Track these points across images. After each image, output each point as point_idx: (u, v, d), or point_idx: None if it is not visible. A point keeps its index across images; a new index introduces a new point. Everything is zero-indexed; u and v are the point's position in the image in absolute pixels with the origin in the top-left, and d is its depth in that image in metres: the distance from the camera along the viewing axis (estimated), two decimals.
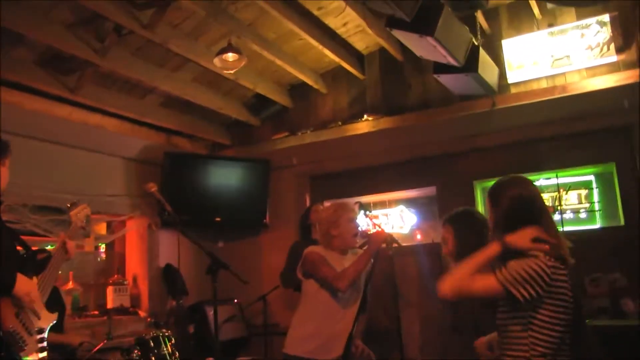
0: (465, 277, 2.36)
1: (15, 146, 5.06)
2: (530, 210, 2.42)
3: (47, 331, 3.10)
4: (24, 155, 5.11)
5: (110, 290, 6.14)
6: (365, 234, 4.14)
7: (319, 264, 3.91)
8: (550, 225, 2.41)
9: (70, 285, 5.74)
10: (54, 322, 3.19)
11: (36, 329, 3.03)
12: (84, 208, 3.69)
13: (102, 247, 6.64)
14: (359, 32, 5.81)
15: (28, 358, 2.93)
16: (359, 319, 4.10)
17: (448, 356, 5.65)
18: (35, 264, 3.24)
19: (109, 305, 6.04)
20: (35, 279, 3.11)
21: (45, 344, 3.05)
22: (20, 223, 5.06)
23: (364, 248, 3.99)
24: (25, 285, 2.94)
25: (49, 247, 5.77)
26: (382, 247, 3.90)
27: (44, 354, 3.02)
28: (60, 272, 3.60)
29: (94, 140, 5.89)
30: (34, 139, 5.28)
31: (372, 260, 3.86)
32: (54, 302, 4.76)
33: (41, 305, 3.10)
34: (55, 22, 4.67)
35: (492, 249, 2.39)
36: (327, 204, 5.81)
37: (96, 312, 5.88)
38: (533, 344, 2.28)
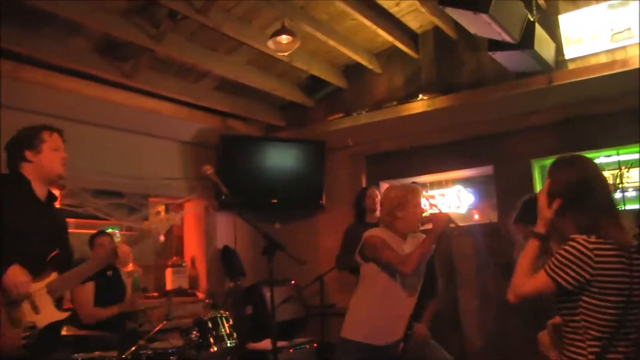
0: (519, 283, 2.34)
1: (74, 132, 5.19)
2: (585, 193, 2.33)
3: (39, 328, 2.93)
4: (83, 141, 5.27)
5: (169, 272, 6.26)
6: (427, 218, 4.06)
7: (382, 247, 3.81)
8: (607, 208, 2.31)
9: (130, 267, 5.86)
10: (58, 321, 3.05)
11: (27, 322, 2.91)
12: (172, 217, 3.57)
13: None
14: (413, 11, 5.70)
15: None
16: (429, 303, 4.06)
17: (508, 337, 5.59)
18: (63, 259, 3.14)
19: (168, 286, 6.17)
20: (54, 275, 3.02)
21: (29, 340, 2.88)
22: (81, 207, 5.19)
23: (427, 231, 3.92)
24: (18, 277, 2.83)
25: (109, 230, 5.94)
26: (445, 229, 3.82)
27: (24, 350, 2.86)
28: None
29: (150, 125, 5.99)
30: (92, 125, 5.40)
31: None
32: (115, 285, 4.94)
33: (48, 300, 2.99)
34: (111, 10, 4.74)
35: (530, 246, 2.36)
36: (385, 185, 5.77)
37: (156, 294, 6.01)
38: (586, 327, 2.21)
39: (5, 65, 4.72)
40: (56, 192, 4.83)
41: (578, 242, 2.21)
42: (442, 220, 3.82)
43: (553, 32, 5.24)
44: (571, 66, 5.30)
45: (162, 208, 6.41)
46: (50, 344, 3.08)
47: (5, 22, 4.45)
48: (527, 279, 2.31)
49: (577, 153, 2.53)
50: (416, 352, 3.88)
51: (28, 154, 3.11)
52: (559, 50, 5.24)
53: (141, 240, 3.44)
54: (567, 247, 2.22)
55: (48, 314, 2.98)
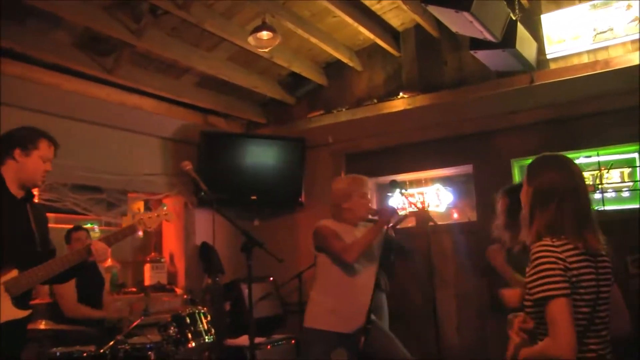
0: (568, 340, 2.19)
1: (54, 127, 5.15)
2: (557, 194, 2.33)
3: None
4: (63, 136, 5.17)
5: (147, 267, 6.24)
6: (374, 211, 4.18)
7: (329, 237, 4.00)
8: (579, 210, 2.33)
9: (109, 262, 5.84)
10: (17, 319, 2.99)
11: None
12: (165, 214, 3.50)
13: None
14: (394, 9, 5.73)
15: None
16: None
17: (486, 336, 5.62)
18: (32, 260, 3.07)
19: (147, 282, 6.15)
20: (13, 272, 2.98)
21: None
22: (60, 202, 5.16)
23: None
24: None
25: (88, 225, 5.91)
26: (391, 221, 4.01)
27: None
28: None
29: (131, 120, 5.96)
30: (73, 120, 5.37)
31: (383, 233, 3.98)
32: (93, 278, 4.94)
33: (5, 297, 2.94)
34: (92, 3, 4.72)
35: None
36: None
37: (134, 289, 5.99)
38: None
39: None
40: (34, 190, 4.82)
41: (546, 250, 2.21)
42: (388, 213, 4.02)
43: (535, 31, 5.29)
44: (553, 66, 5.36)
45: (140, 205, 6.40)
46: (12, 342, 3.03)
47: None
48: (560, 328, 2.16)
49: (557, 153, 2.55)
50: (375, 346, 3.92)
51: (17, 153, 3.13)
52: (541, 49, 5.29)
53: (123, 237, 3.40)
54: (539, 260, 2.20)
55: (5, 311, 2.93)
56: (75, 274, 3.32)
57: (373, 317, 3.99)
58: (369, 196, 4.21)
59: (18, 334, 3.10)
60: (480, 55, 4.86)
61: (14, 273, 2.98)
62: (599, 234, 2.31)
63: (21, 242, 3.11)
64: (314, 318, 4.05)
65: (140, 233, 6.59)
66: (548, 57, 5.33)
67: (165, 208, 3.54)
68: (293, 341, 6.07)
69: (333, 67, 6.74)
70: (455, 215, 6.53)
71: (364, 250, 3.92)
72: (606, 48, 5.15)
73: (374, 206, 4.32)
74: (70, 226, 5.05)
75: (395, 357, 3.95)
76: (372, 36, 5.89)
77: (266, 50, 5.31)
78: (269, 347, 5.77)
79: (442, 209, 6.54)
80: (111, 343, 3.92)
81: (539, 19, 5.38)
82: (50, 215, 5.17)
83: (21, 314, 3.02)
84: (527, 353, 2.29)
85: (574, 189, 2.34)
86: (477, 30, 4.30)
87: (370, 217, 4.17)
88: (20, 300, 3.01)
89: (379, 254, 4.06)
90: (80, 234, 4.83)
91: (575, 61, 5.26)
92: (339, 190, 4.22)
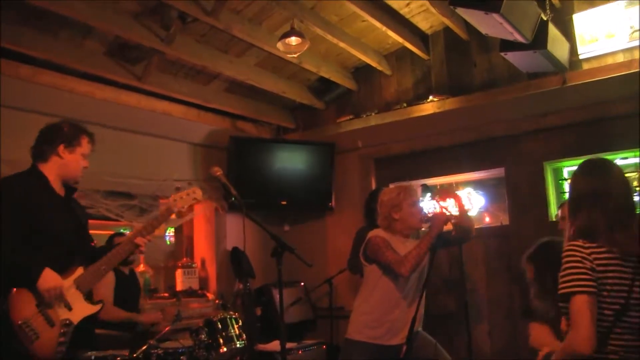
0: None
1: None
2: (587, 199, 2.36)
3: (74, 324, 3.06)
4: (95, 143, 5.29)
5: (179, 272, 6.28)
6: (427, 218, 4.07)
7: (383, 248, 3.87)
8: (613, 214, 2.31)
9: (141, 267, 5.90)
10: (93, 313, 3.17)
11: (62, 321, 3.03)
12: (193, 192, 3.58)
13: (171, 231, 6.79)
14: (423, 12, 5.70)
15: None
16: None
17: (518, 342, 5.55)
18: (88, 256, 3.26)
19: (178, 287, 6.19)
20: (79, 270, 3.14)
21: (66, 337, 3.02)
22: (93, 208, 5.22)
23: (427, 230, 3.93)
24: (51, 281, 2.95)
25: (122, 231, 5.97)
26: (443, 229, 3.83)
27: (62, 347, 2.99)
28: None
29: (161, 127, 6.02)
30: (104, 127, 5.42)
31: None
32: (132, 284, 5.03)
33: (78, 295, 3.11)
34: (122, 12, 4.79)
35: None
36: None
37: (166, 294, 6.04)
38: None
39: (24, 70, 4.84)
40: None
41: (574, 249, 2.25)
42: (440, 220, 3.84)
43: (567, 31, 5.19)
44: (586, 66, 5.24)
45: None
46: (86, 339, 3.27)
47: (23, 29, 4.60)
48: (580, 322, 2.20)
49: (598, 157, 2.56)
50: (419, 356, 3.88)
51: (62, 149, 3.21)
52: (573, 50, 5.19)
53: (167, 215, 3.49)
54: (566, 258, 2.26)
55: (80, 309, 3.11)
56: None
57: (419, 328, 3.95)
58: (419, 204, 4.09)
59: (92, 330, 3.43)
60: (511, 56, 4.80)
61: (80, 271, 3.14)
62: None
63: (78, 240, 3.24)
64: (357, 329, 3.97)
65: (172, 238, 6.70)
66: (581, 57, 5.22)
67: (195, 189, 3.61)
68: (324, 346, 6.06)
69: (362, 72, 6.72)
70: (487, 219, 6.46)
71: (419, 261, 3.78)
72: None
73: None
74: (103, 232, 5.12)
75: None
76: (400, 40, 5.86)
77: (295, 55, 5.31)
78: (300, 352, 5.76)
79: (473, 212, 6.47)
80: (144, 347, 3.94)
81: (571, 19, 5.28)
82: None
83: (95, 308, 3.19)
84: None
85: (605, 193, 2.33)
86: (507, 32, 4.25)
87: (422, 227, 4.10)
88: (90, 295, 3.19)
89: (428, 265, 3.91)
90: (121, 239, 4.90)
91: (610, 61, 5.14)
92: (388, 201, 4.08)
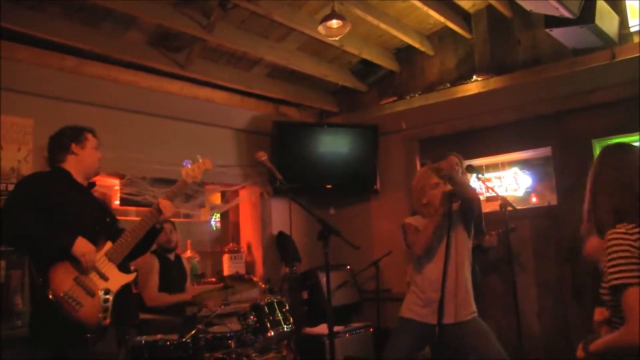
0: None
1: (132, 123, 5.36)
2: (624, 183, 2.29)
3: (114, 292, 3.24)
4: (139, 131, 5.39)
5: (226, 257, 6.34)
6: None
7: (407, 232, 4.05)
8: None
9: (188, 253, 5.98)
10: (128, 282, 3.35)
11: (102, 290, 3.20)
12: (203, 163, 3.81)
13: (217, 217, 6.86)
14: None
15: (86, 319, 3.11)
16: None
17: (568, 323, 5.46)
18: (114, 230, 3.45)
19: (225, 272, 6.25)
20: (108, 244, 3.30)
21: (109, 304, 3.20)
22: (140, 195, 5.30)
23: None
24: (84, 246, 3.12)
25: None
26: (447, 206, 3.81)
27: (106, 313, 3.18)
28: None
29: (204, 113, 6.06)
30: (149, 115, 5.51)
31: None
32: (178, 270, 5.13)
33: (111, 266, 3.27)
34: (163, 2, 4.83)
35: None
36: None
37: (213, 279, 6.11)
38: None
39: (71, 62, 4.96)
40: (116, 181, 5.03)
41: (620, 237, 2.16)
42: (442, 199, 3.86)
43: (616, 3, 5.03)
44: (637, 39, 5.07)
45: (217, 197, 6.52)
46: (131, 308, 3.54)
47: (68, 22, 4.71)
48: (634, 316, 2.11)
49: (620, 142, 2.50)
50: (469, 341, 3.86)
51: (74, 147, 3.41)
52: (624, 23, 5.03)
53: (180, 191, 3.71)
54: (613, 248, 2.16)
55: (116, 278, 3.29)
56: (153, 241, 3.65)
57: (470, 316, 3.93)
58: (442, 183, 4.02)
59: (132, 295, 3.60)
60: (556, 33, 4.69)
61: (109, 245, 3.31)
62: None
63: (103, 219, 3.42)
64: (406, 308, 4.10)
65: (219, 224, 6.77)
66: (631, 30, 5.05)
67: (205, 160, 3.85)
68: (371, 329, 6.08)
69: (404, 53, 6.66)
70: (534, 200, 6.35)
71: (428, 240, 3.90)
72: None
73: None
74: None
75: (488, 357, 3.83)
76: (442, 19, 5.78)
77: (336, 38, 5.28)
78: (347, 335, 5.79)
79: (520, 193, 6.37)
80: (193, 332, 4.00)
81: None
82: (131, 208, 5.40)
83: (129, 277, 3.37)
84: (598, 344, 2.26)
85: (633, 176, 2.27)
86: (552, 7, 4.15)
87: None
88: (124, 266, 3.36)
89: (468, 245, 4.05)
90: (166, 226, 4.97)
91: None
92: (414, 187, 4.21)
